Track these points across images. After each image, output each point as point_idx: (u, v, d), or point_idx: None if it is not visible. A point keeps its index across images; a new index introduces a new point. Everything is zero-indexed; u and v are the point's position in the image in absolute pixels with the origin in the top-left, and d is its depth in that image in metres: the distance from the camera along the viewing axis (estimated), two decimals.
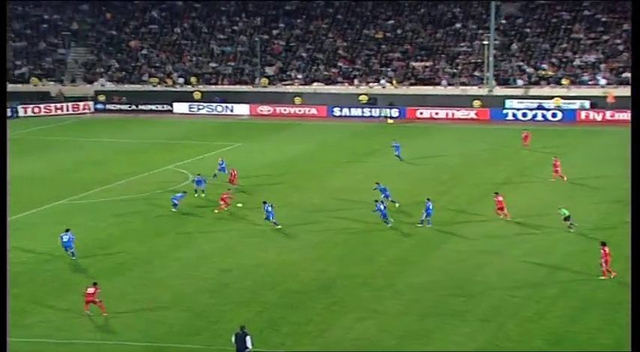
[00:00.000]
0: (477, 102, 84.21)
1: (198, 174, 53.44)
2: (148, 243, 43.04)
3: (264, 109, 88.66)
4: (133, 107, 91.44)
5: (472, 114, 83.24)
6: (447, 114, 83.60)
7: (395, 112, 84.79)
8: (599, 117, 79.07)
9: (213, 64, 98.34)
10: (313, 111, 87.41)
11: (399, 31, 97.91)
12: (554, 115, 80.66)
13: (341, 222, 46.11)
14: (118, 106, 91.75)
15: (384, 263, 39.41)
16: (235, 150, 68.40)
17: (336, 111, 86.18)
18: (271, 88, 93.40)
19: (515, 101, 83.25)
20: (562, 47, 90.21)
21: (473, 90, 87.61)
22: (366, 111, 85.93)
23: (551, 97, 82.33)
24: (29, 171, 60.63)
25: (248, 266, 38.98)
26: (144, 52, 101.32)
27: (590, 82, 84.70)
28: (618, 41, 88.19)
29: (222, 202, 47.91)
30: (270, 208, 44.69)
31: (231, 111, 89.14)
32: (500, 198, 45.81)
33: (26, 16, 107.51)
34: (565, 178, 53.73)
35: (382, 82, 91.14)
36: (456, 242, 42.52)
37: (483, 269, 38.22)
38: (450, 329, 31.81)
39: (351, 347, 30.61)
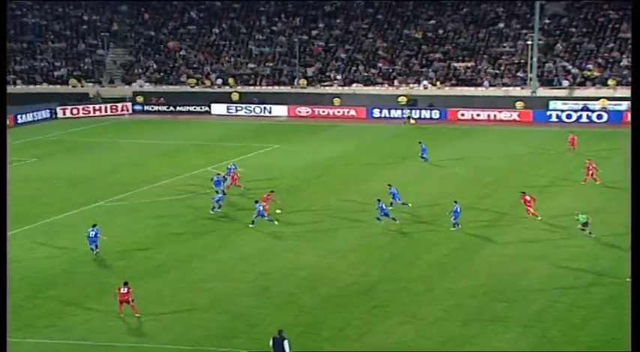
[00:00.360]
0: (519, 104, 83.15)
1: (218, 174, 53.09)
2: (186, 244, 42.78)
3: (303, 111, 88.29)
4: (171, 108, 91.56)
5: (515, 115, 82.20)
6: (488, 115, 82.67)
7: (435, 114, 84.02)
8: None
9: (251, 65, 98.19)
10: (352, 112, 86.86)
11: (440, 31, 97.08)
12: (599, 117, 79.33)
13: (381, 226, 45.43)
14: (156, 107, 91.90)
15: (425, 267, 38.81)
16: (273, 152, 68.10)
17: (376, 113, 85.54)
18: (310, 89, 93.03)
19: (559, 102, 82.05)
20: (608, 47, 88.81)
21: (515, 91, 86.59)
22: (406, 113, 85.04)
23: (597, 98, 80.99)
24: (68, 173, 60.81)
25: (287, 269, 38.55)
26: (182, 52, 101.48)
27: None
28: None
29: (263, 203, 47.39)
30: (261, 208, 44.85)
31: (270, 112, 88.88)
32: (528, 198, 45.69)
33: (66, 17, 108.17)
34: (598, 181, 52.66)
35: (424, 83, 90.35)
36: (498, 246, 41.77)
37: (527, 273, 37.48)
38: (492, 335, 31.17)
39: None
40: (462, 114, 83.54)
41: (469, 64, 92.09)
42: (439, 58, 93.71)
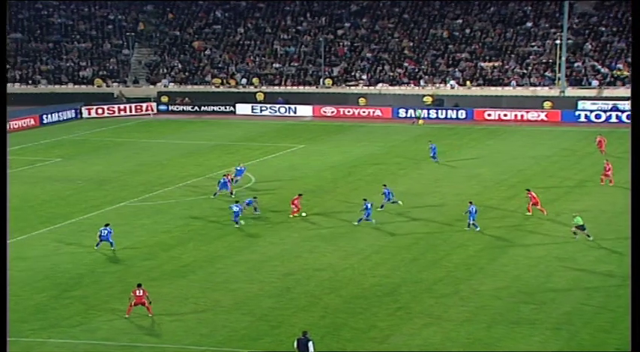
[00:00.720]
0: (547, 104, 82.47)
1: (225, 175, 53.06)
2: (210, 245, 42.68)
3: (328, 111, 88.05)
4: (196, 108, 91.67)
5: (542, 115, 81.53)
6: (515, 115, 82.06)
7: (462, 114, 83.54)
8: None
9: (276, 65, 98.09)
10: (378, 112, 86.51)
11: (467, 31, 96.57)
12: (629, 117, 78.40)
13: (405, 226, 45.22)
14: (181, 107, 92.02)
15: (450, 268, 38.44)
16: (298, 152, 67.89)
17: (401, 113, 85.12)
18: (335, 89, 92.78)
19: (588, 102, 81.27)
20: None
21: (543, 91, 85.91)
22: (432, 113, 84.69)
23: (627, 98, 79.94)
24: (93, 173, 60.95)
25: (310, 270, 38.35)
26: (207, 52, 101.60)
27: None
28: None
29: (293, 206, 47.15)
30: (235, 208, 45.20)
31: (294, 112, 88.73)
32: (534, 194, 46.06)
33: (92, 16, 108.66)
34: (612, 183, 52.03)
35: (451, 82, 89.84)
36: (525, 247, 41.33)
37: (553, 275, 37.08)
38: (520, 337, 30.78)
39: None
40: (489, 115, 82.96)
41: (496, 64, 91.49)
42: (466, 58, 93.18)
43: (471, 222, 43.73)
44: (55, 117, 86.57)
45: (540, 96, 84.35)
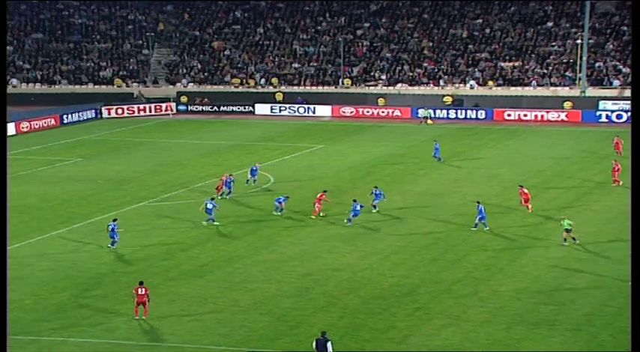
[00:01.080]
0: (568, 104, 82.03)
1: (230, 175, 53.08)
2: (229, 245, 42.72)
3: (347, 111, 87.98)
4: (215, 108, 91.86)
5: (563, 116, 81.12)
6: (535, 116, 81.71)
7: (481, 114, 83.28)
8: None
9: (295, 65, 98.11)
10: (397, 112, 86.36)
11: (487, 31, 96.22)
12: None
13: (424, 227, 45.10)
14: (200, 107, 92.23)
15: (469, 269, 38.30)
16: (317, 152, 67.85)
17: (421, 113, 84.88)
18: (354, 89, 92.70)
19: (609, 102, 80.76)
20: None
21: (564, 91, 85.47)
22: (451, 113, 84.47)
23: None
24: (113, 172, 61.16)
25: (329, 271, 38.31)
26: (226, 52, 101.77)
27: None
28: None
29: (317, 205, 47.06)
30: (209, 205, 45.38)
31: (313, 112, 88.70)
32: (526, 190, 46.82)
33: (112, 17, 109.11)
34: (621, 183, 51.72)
35: (471, 82, 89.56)
36: (544, 248, 41.10)
37: (574, 276, 36.88)
38: (539, 339, 30.64)
39: None
40: (509, 115, 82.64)
41: (516, 64, 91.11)
42: (486, 58, 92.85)
43: (479, 222, 43.65)
44: (75, 117, 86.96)
45: (561, 97, 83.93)
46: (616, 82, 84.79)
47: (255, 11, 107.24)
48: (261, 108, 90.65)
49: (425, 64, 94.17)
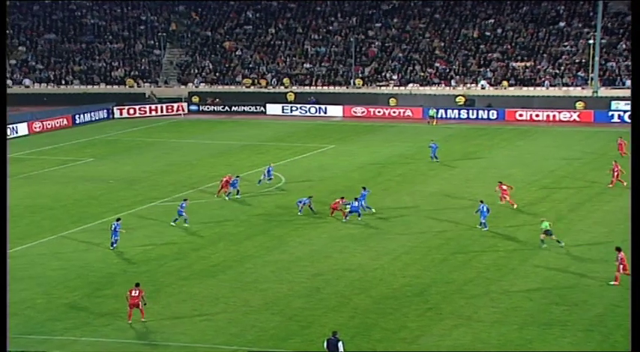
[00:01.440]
0: (580, 104, 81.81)
1: (237, 176, 53.16)
2: (240, 245, 42.76)
3: (358, 111, 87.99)
4: (227, 108, 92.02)
5: (575, 116, 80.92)
6: (547, 116, 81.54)
7: (493, 114, 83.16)
8: None
9: (307, 65, 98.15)
10: (408, 112, 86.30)
11: (499, 31, 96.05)
12: None
13: (435, 227, 45.07)
14: (212, 108, 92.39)
15: (481, 269, 38.24)
16: (328, 152, 67.87)
17: (432, 113, 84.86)
18: (366, 89, 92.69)
19: (621, 102, 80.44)
20: None
21: (576, 91, 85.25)
22: (463, 113, 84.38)
23: None
24: (124, 172, 61.36)
25: (340, 271, 38.32)
26: (238, 52, 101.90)
27: None
28: None
29: (334, 209, 47.05)
30: (184, 204, 45.84)
31: (325, 112, 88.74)
32: (505, 187, 48.11)
33: (124, 17, 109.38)
34: (625, 183, 51.57)
35: (482, 82, 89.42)
36: (556, 248, 40.93)
37: (586, 277, 36.77)
38: (552, 339, 30.58)
39: None
40: (520, 115, 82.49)
41: (528, 64, 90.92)
42: (497, 58, 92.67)
43: (482, 221, 43.67)
44: (87, 117, 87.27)
45: (573, 97, 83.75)
46: (628, 82, 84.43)
47: (267, 11, 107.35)
48: (273, 109, 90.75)
49: (436, 64, 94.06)
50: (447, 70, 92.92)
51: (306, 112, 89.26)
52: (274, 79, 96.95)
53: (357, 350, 29.58)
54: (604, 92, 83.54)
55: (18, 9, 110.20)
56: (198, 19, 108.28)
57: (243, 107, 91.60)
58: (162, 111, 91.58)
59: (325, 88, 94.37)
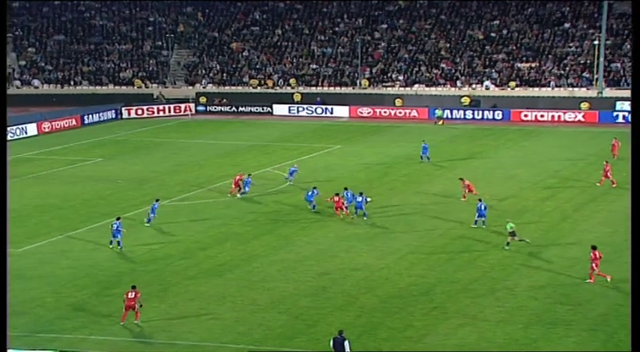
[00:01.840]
0: (584, 105, 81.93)
1: (249, 175, 53.65)
2: (247, 244, 43.02)
3: (364, 111, 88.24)
4: (234, 109, 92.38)
5: (579, 116, 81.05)
6: (552, 116, 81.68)
7: (498, 115, 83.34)
8: None
9: (313, 66, 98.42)
10: (414, 113, 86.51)
11: (504, 32, 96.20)
12: None
13: (440, 227, 45.30)
14: (219, 108, 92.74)
15: (486, 268, 38.45)
16: (334, 153, 68.13)
17: (438, 114, 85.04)
18: (372, 90, 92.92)
19: (626, 103, 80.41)
20: None
21: (581, 92, 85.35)
22: (468, 114, 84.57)
23: None
24: (132, 172, 61.68)
25: (346, 270, 38.56)
26: (245, 53, 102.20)
27: None
28: None
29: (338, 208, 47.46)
30: (156, 205, 46.03)
31: (331, 113, 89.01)
32: (467, 183, 49.27)
33: (132, 18, 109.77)
34: (615, 184, 51.75)
35: (486, 83, 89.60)
36: (561, 247, 41.21)
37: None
38: (556, 338, 30.76)
39: None
40: (526, 116, 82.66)
41: (533, 65, 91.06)
42: (503, 59, 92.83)
43: (478, 219, 43.93)
44: (95, 117, 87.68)
45: (577, 97, 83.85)
46: None
47: (274, 13, 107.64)
48: (279, 109, 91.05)
49: (442, 65, 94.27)
50: (453, 71, 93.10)
51: (313, 113, 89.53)
52: (281, 80, 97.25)
53: (363, 348, 29.77)
54: (609, 93, 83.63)
55: (28, 10, 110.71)
56: (206, 21, 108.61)
57: (250, 107, 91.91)
58: (170, 112, 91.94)
59: (331, 88, 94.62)
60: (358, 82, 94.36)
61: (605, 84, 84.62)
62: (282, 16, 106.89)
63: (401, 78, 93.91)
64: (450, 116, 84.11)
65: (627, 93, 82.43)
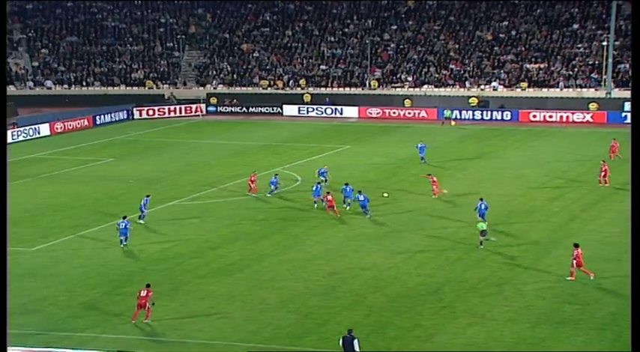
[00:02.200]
0: (593, 105, 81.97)
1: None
2: (257, 244, 43.24)
3: (374, 112, 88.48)
4: (244, 109, 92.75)
5: (588, 117, 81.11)
6: (561, 117, 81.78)
7: (507, 115, 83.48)
8: None
9: (323, 67, 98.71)
10: (423, 114, 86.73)
11: (513, 33, 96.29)
12: None
13: (449, 226, 45.48)
14: (229, 109, 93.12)
15: (494, 268, 38.57)
16: (343, 153, 68.38)
17: (446, 114, 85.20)
18: (381, 91, 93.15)
19: None
20: None
21: (589, 92, 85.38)
22: (477, 114, 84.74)
23: None
24: (144, 172, 62.04)
25: (355, 269, 38.76)
26: (255, 54, 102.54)
27: None
28: None
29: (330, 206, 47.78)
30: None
31: (340, 113, 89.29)
32: (435, 179, 51.03)
33: (144, 20, 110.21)
34: (608, 184, 51.96)
35: (494, 84, 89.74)
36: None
37: (598, 275, 36.86)
38: (564, 338, 30.83)
39: None
40: (534, 116, 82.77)
41: (542, 66, 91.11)
42: (511, 60, 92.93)
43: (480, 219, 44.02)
44: (107, 118, 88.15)
45: (586, 98, 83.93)
46: None
47: (284, 14, 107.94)
48: (289, 110, 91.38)
49: (451, 66, 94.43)
50: (462, 72, 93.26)
51: (322, 113, 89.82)
52: (291, 81, 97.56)
53: (372, 347, 29.91)
54: (617, 93, 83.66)
55: (41, 12, 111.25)
56: (216, 22, 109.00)
57: (260, 108, 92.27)
58: (180, 112, 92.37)
59: (341, 89, 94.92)
60: (367, 82, 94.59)
61: (614, 85, 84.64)
62: (292, 17, 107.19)
63: (410, 79, 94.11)
64: (459, 117, 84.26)
65: None
